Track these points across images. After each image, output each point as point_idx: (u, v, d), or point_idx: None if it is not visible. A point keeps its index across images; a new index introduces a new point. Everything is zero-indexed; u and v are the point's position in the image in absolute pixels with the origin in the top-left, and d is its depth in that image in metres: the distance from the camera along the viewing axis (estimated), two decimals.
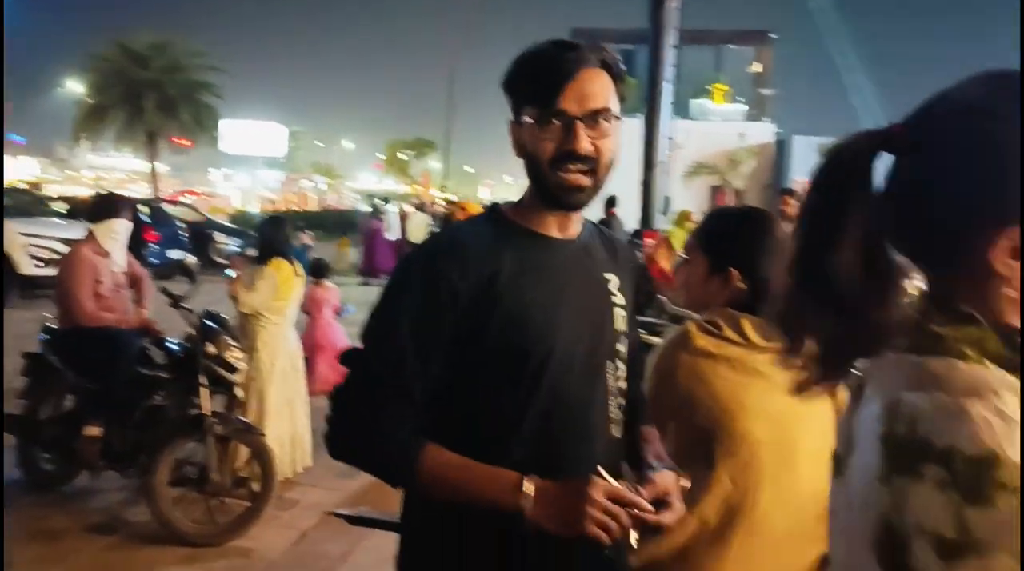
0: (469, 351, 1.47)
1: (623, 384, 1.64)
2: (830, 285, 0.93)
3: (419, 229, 19.17)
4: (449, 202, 26.25)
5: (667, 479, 1.55)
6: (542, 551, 1.48)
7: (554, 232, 1.56)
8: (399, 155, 66.49)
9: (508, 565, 1.51)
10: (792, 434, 1.82)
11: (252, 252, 18.25)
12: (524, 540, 1.45)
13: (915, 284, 1.00)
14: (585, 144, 1.44)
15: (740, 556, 1.83)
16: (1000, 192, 0.86)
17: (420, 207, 21.43)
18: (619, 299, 1.64)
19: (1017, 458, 0.77)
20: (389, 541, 1.98)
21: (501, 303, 1.45)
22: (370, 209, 19.66)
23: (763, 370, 1.81)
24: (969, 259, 0.89)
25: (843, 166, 0.95)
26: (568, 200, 1.50)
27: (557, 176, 1.46)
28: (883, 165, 0.97)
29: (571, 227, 1.59)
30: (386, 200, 19.79)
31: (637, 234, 11.39)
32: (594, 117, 1.45)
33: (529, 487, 1.37)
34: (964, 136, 0.89)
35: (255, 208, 37.74)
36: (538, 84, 1.46)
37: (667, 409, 1.89)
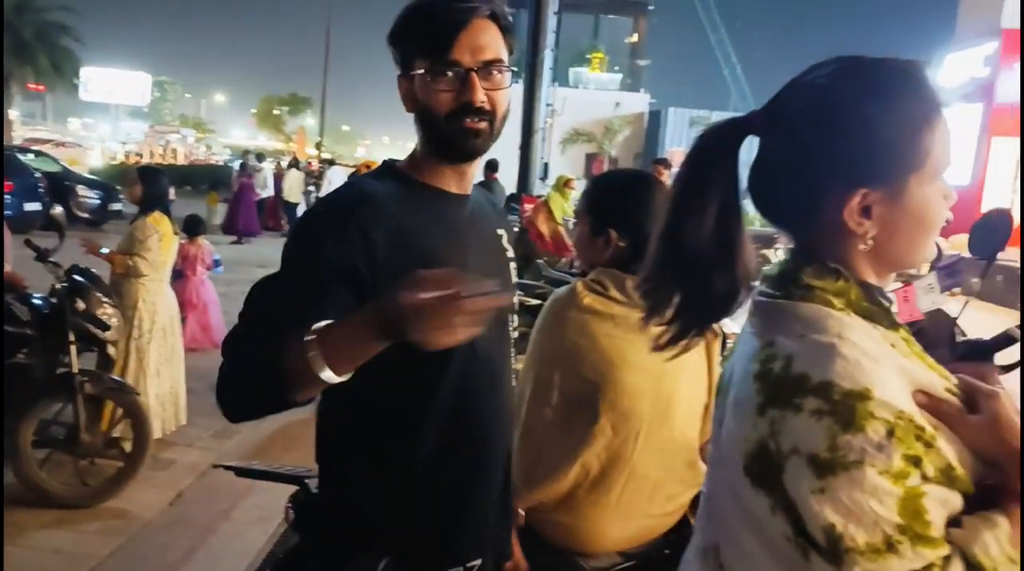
0: None
1: (517, 334, 1.70)
2: (686, 253, 1.06)
3: (294, 187, 18.75)
4: (323, 160, 25.69)
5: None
6: (456, 492, 1.53)
7: (452, 187, 1.54)
8: (273, 111, 64.59)
9: (427, 510, 1.52)
10: (669, 387, 1.96)
11: (115, 207, 17.19)
12: (444, 485, 1.50)
13: (780, 253, 1.13)
14: (481, 96, 1.43)
15: (619, 500, 1.96)
16: (845, 160, 1.00)
17: (295, 165, 20.90)
18: (511, 253, 1.68)
19: (883, 395, 0.90)
20: (271, 497, 1.98)
21: (413, 260, 1.39)
22: (239, 165, 18.88)
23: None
24: (827, 220, 1.02)
25: (710, 147, 1.08)
26: (467, 146, 1.48)
27: (454, 128, 1.45)
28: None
29: (466, 182, 1.57)
30: (260, 157, 19.16)
31: (515, 198, 11.53)
32: (487, 68, 1.44)
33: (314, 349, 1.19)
34: (813, 115, 1.02)
35: (118, 160, 35.72)
36: (430, 35, 1.43)
37: (554, 362, 2.00)
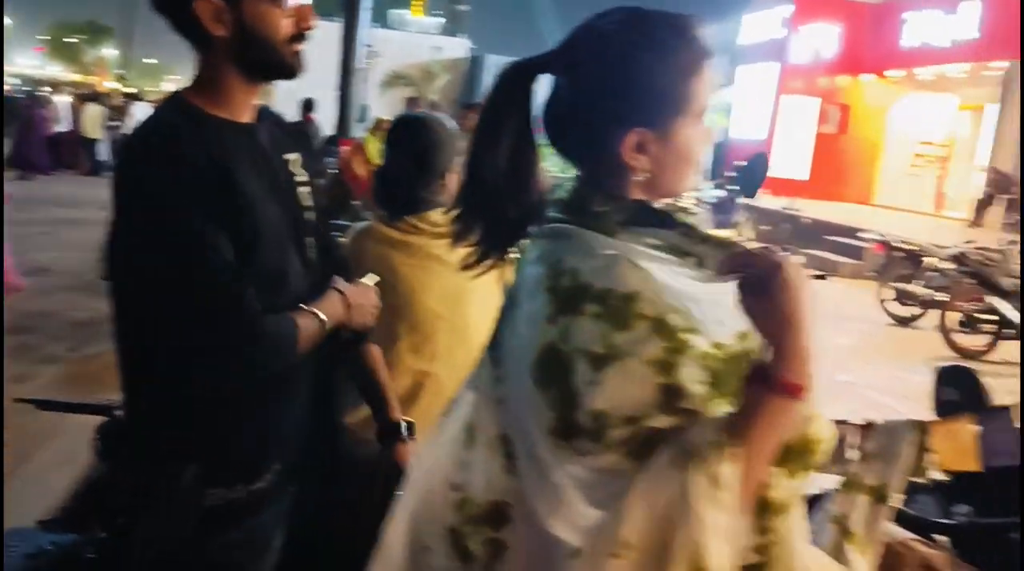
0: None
1: (313, 255, 1.73)
2: (484, 183, 1.17)
3: (95, 123, 17.56)
4: (126, 94, 24.06)
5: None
6: (267, 406, 1.61)
7: (242, 117, 1.58)
8: (66, 39, 59.64)
9: (259, 433, 1.61)
10: (465, 310, 2.12)
11: None
12: (255, 401, 1.58)
13: None
14: (314, 21, 1.57)
15: (423, 418, 2.09)
16: (624, 104, 1.14)
17: (94, 98, 19.49)
18: (303, 177, 1.71)
19: (650, 295, 1.05)
20: (73, 442, 1.94)
21: (221, 194, 1.47)
22: (24, 96, 17.37)
23: (439, 254, 2.09)
24: (608, 155, 1.15)
25: (507, 85, 1.19)
26: (297, 68, 1.58)
27: (289, 51, 1.55)
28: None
29: (251, 111, 1.61)
30: (54, 87, 17.72)
31: (333, 141, 11.32)
32: None
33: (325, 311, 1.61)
34: (597, 62, 1.14)
35: None
36: None
37: None
